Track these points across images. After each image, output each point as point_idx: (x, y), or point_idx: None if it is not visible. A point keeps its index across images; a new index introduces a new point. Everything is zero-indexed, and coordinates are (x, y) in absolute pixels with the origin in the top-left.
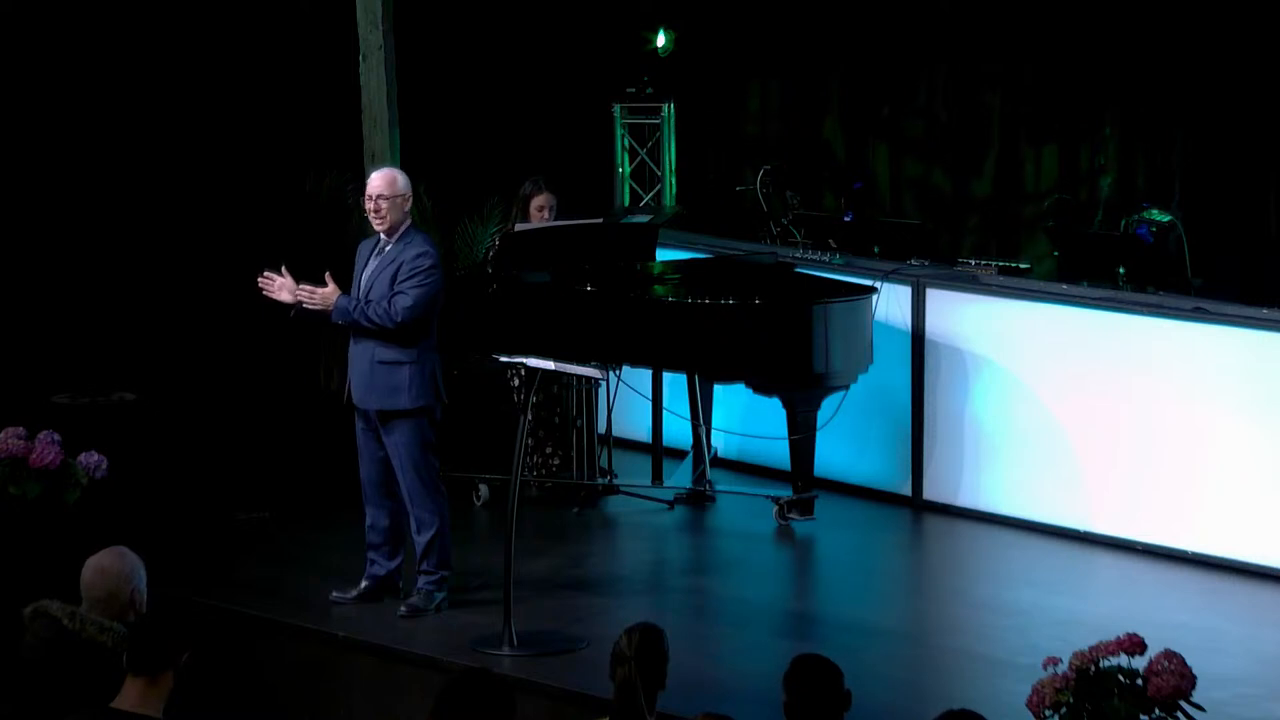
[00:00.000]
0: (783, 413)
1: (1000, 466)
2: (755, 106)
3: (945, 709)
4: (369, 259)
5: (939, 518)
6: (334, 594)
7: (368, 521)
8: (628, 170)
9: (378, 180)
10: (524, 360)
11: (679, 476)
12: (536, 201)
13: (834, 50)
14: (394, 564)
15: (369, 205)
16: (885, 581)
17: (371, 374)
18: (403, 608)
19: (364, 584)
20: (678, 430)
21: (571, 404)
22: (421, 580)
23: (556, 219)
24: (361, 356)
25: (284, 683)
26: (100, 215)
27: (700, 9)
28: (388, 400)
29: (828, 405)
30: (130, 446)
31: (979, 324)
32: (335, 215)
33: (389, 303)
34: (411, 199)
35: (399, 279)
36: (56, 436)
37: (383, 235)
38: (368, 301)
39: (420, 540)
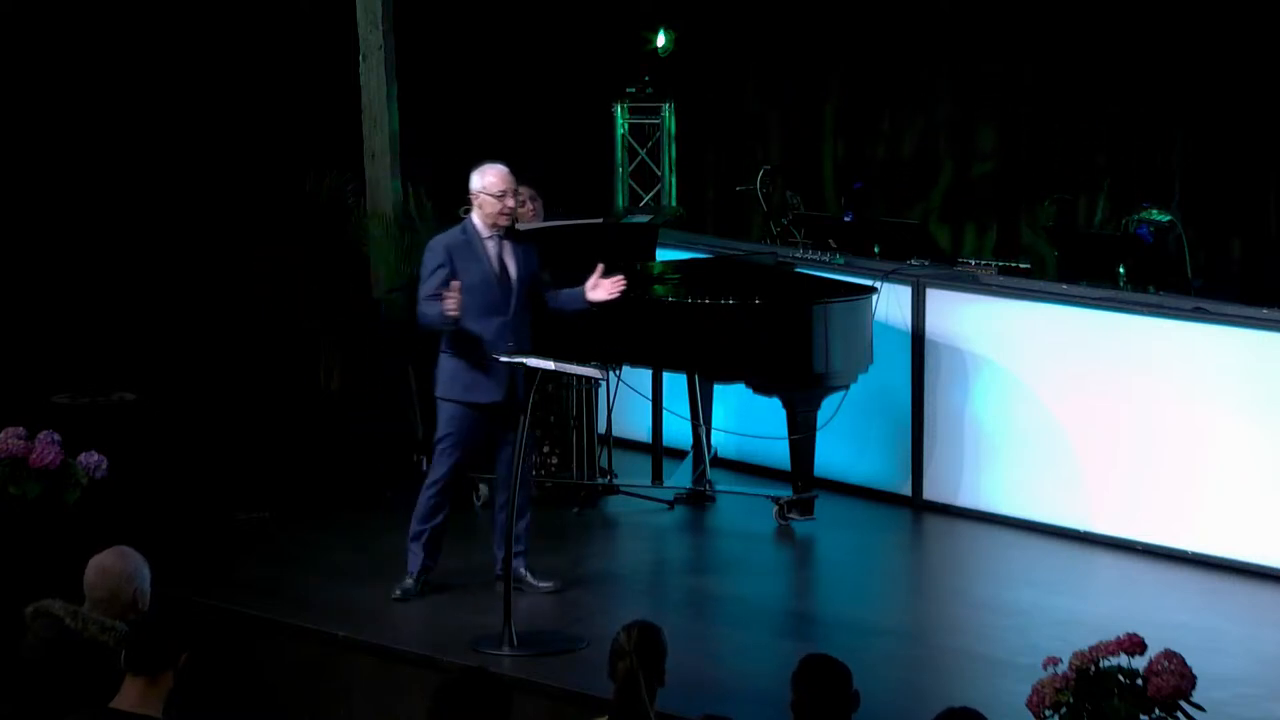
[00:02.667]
0: (783, 413)
1: (1000, 466)
2: (755, 107)
3: (946, 707)
4: (499, 256)
5: (939, 518)
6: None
7: (444, 525)
8: (628, 170)
9: (509, 176)
10: (524, 360)
11: (679, 476)
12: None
13: (834, 50)
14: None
15: (510, 201)
16: (885, 581)
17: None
18: (545, 584)
19: (424, 579)
20: (678, 430)
21: (571, 404)
22: (526, 560)
23: (551, 212)
24: (523, 350)
25: (284, 683)
26: (100, 215)
27: (700, 9)
28: (526, 389)
29: (828, 405)
30: (130, 446)
31: (979, 324)
32: (335, 215)
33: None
34: None
35: (536, 268)
36: (56, 436)
37: (494, 231)
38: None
39: (523, 524)
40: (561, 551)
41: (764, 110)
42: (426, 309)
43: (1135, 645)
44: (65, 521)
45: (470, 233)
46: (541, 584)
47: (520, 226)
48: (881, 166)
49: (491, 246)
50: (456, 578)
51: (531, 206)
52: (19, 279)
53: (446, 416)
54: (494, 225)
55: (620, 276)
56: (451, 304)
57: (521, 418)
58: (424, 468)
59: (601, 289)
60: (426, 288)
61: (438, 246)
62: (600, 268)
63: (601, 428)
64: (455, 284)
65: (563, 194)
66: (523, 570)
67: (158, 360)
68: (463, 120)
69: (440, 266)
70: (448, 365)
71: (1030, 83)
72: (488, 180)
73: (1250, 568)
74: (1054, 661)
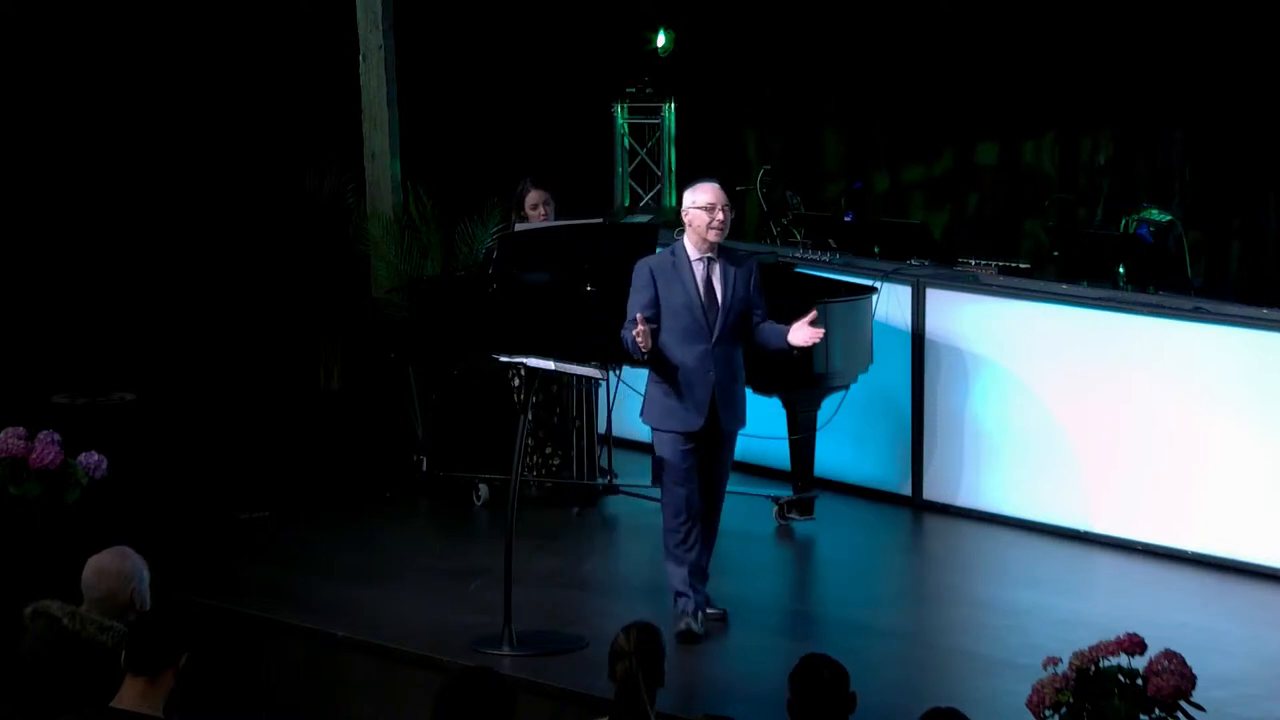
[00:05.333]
0: (783, 413)
1: (1000, 466)
2: (755, 107)
3: (930, 707)
4: (706, 280)
5: (939, 518)
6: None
7: (697, 555)
8: (628, 170)
9: (718, 190)
10: (524, 360)
11: None
12: (530, 200)
13: (834, 50)
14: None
15: (720, 215)
16: (885, 581)
17: (734, 393)
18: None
19: (700, 614)
20: None
21: (571, 404)
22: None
23: (555, 215)
24: (727, 377)
25: (285, 682)
26: (100, 215)
27: (700, 9)
28: (743, 417)
29: (828, 405)
30: (130, 446)
31: (979, 324)
32: (335, 215)
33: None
34: None
35: (752, 293)
36: (56, 436)
37: (704, 252)
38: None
39: (709, 552)
40: (561, 551)
41: (764, 110)
42: (624, 334)
43: (1135, 645)
44: (65, 521)
45: (679, 254)
46: (715, 609)
47: (519, 228)
48: (881, 166)
49: (699, 269)
50: (457, 578)
51: (544, 210)
52: (19, 279)
53: (658, 445)
54: (703, 242)
55: (821, 330)
56: (642, 339)
57: (522, 419)
58: (423, 468)
59: (802, 334)
60: (629, 311)
61: (643, 269)
62: (814, 314)
63: (602, 428)
64: (640, 316)
65: (563, 194)
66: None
67: (158, 360)
68: (463, 120)
69: (642, 289)
70: (650, 390)
71: (1031, 83)
72: (697, 194)
73: (1250, 568)
74: (1054, 661)
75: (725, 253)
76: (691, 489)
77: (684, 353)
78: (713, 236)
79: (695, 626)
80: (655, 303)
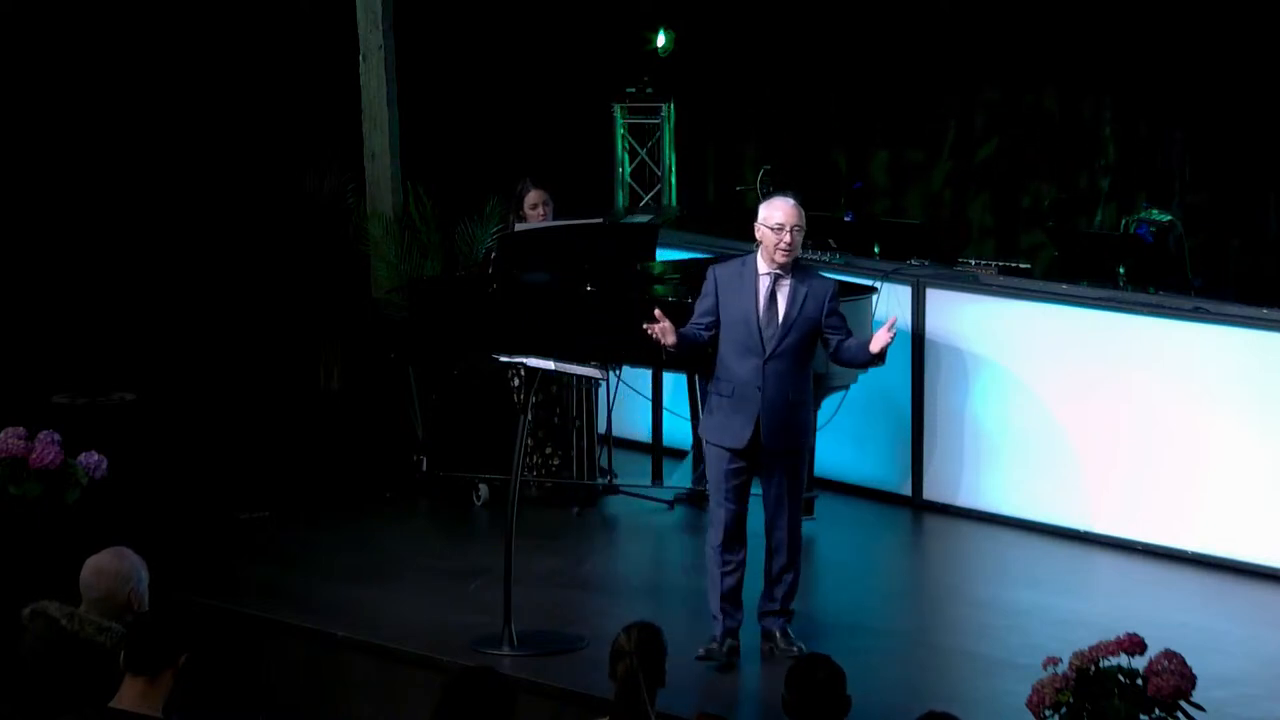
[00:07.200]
0: None
1: (1000, 466)
2: (755, 107)
3: (926, 710)
4: (770, 294)
5: (939, 518)
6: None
7: (735, 580)
8: (628, 170)
9: (791, 210)
10: (524, 360)
11: (679, 476)
12: (529, 200)
13: (834, 50)
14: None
15: (786, 237)
16: (885, 581)
17: (785, 412)
18: (796, 647)
19: (729, 643)
20: (678, 430)
21: (571, 404)
22: (780, 621)
23: (555, 215)
24: (778, 395)
25: (284, 682)
26: (100, 215)
27: (700, 9)
28: (796, 439)
29: (828, 405)
30: (130, 446)
31: (979, 324)
32: (335, 215)
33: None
34: None
35: (826, 314)
36: (56, 436)
37: (773, 267)
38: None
39: (788, 580)
40: (561, 551)
41: (764, 110)
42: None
43: (1135, 645)
44: (65, 521)
45: (748, 266)
46: (791, 647)
47: (519, 228)
48: (882, 167)
49: (764, 283)
50: (457, 578)
51: (543, 211)
52: (19, 279)
53: (707, 459)
54: (772, 261)
55: (892, 326)
56: (659, 333)
57: (522, 419)
58: (423, 468)
59: (879, 339)
60: (694, 313)
61: (710, 275)
62: (894, 318)
63: (602, 428)
64: (658, 312)
65: (563, 194)
66: (776, 630)
67: (158, 360)
68: (463, 120)
69: (705, 297)
70: (709, 403)
71: (1031, 82)
72: (771, 211)
73: (1250, 568)
74: (1054, 661)
75: (802, 271)
76: (735, 510)
77: (738, 366)
78: (780, 258)
79: (719, 655)
80: (714, 311)
